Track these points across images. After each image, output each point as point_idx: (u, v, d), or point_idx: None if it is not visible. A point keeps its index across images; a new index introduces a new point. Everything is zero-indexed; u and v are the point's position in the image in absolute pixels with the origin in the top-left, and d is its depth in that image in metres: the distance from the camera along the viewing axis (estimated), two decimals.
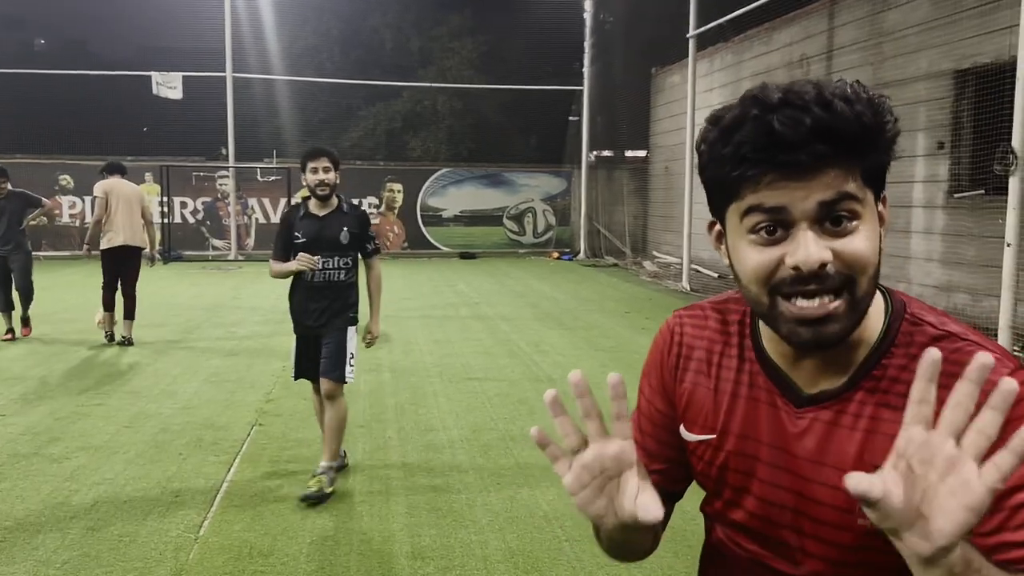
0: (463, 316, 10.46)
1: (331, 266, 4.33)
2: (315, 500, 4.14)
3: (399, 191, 19.37)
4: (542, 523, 3.96)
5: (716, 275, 14.42)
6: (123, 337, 8.18)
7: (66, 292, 12.19)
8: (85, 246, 8.76)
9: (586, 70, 19.55)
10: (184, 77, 17.24)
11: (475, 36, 22.12)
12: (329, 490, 4.23)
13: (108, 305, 8.27)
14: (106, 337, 8.23)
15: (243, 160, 18.51)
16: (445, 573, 3.46)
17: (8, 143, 17.69)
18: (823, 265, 0.89)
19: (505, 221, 20.08)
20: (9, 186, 8.39)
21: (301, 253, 4.24)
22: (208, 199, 18.57)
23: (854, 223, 0.90)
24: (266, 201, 18.79)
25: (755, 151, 0.89)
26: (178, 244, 17.90)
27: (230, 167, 18.29)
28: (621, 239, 18.81)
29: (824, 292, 0.90)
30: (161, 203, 17.51)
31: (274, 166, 18.78)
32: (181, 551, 3.60)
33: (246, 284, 13.79)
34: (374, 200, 19.08)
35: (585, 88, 19.52)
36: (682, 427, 1.12)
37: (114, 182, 8.36)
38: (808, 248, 0.89)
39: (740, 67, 14.35)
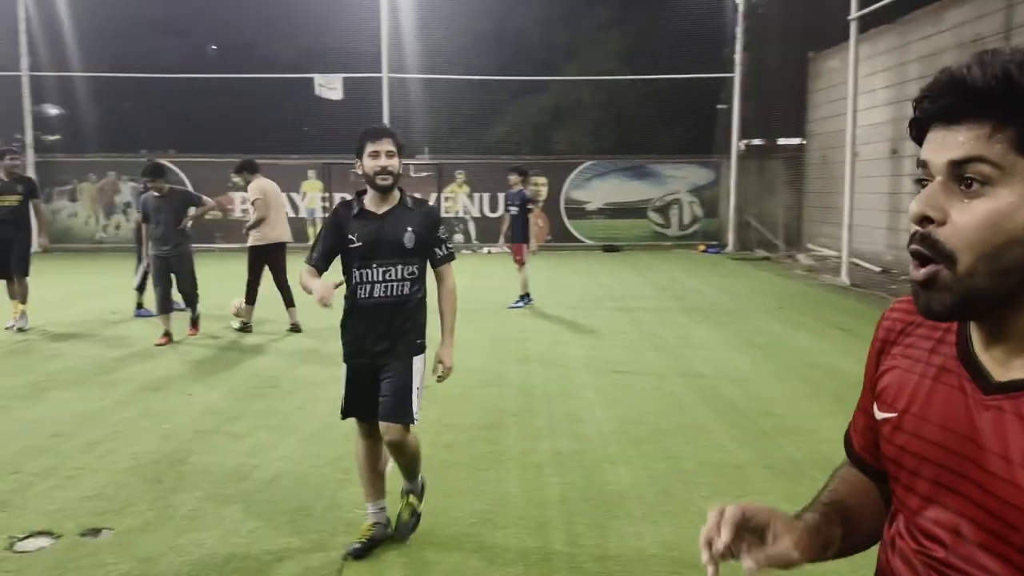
0: (608, 309, 10.46)
1: (392, 276, 3.44)
2: (410, 530, 3.75)
3: (544, 184, 19.56)
4: (697, 518, 3.95)
5: (878, 269, 13.69)
6: (292, 324, 8.75)
7: (238, 283, 13.12)
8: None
9: (737, 57, 19.01)
10: (344, 78, 18.12)
11: (621, 28, 21.97)
12: (421, 508, 3.79)
13: (252, 299, 8.85)
14: (244, 328, 8.78)
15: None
16: (601, 562, 3.52)
17: (187, 143, 19.20)
18: (923, 221, 0.88)
19: (650, 213, 19.87)
20: (168, 185, 8.33)
21: (318, 283, 3.39)
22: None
23: (984, 189, 0.86)
24: (418, 195, 19.48)
25: (913, 106, 0.94)
26: None
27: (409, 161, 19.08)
28: (773, 231, 18.19)
29: (922, 256, 0.89)
30: (323, 199, 18.50)
31: (426, 162, 19.44)
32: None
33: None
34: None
35: (736, 75, 18.98)
36: (875, 406, 1.10)
37: (265, 182, 9.00)
38: (915, 200, 0.89)
39: (905, 50, 13.52)
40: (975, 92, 0.86)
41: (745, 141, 19.47)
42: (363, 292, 3.46)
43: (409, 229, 3.47)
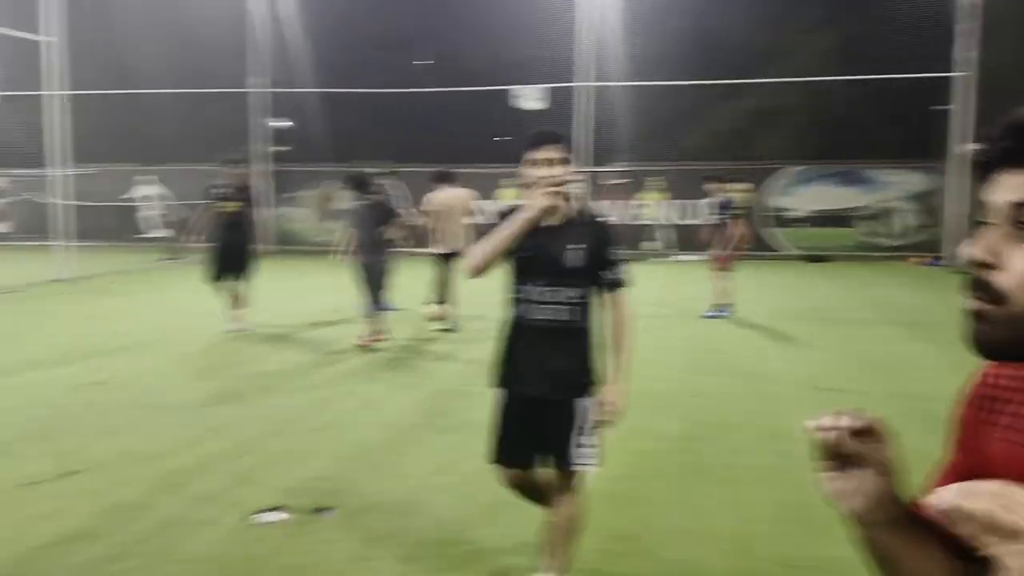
0: (812, 322, 9.98)
1: (552, 299, 2.99)
2: None
3: (746, 191, 18.97)
4: None
5: None
6: (441, 322, 9.28)
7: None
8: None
9: (963, 55, 17.49)
10: (542, 88, 18.55)
11: (828, 27, 20.87)
12: None
13: (442, 300, 9.34)
14: (450, 327, 9.21)
15: (598, 165, 19.44)
16: None
17: (403, 154, 20.43)
18: (979, 264, 0.87)
19: (859, 222, 18.71)
20: (373, 196, 8.57)
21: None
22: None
23: None
24: (613, 204, 19.56)
25: (979, 148, 0.92)
26: None
27: (581, 171, 19.33)
28: None
29: (977, 291, 0.88)
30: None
31: (622, 168, 19.49)
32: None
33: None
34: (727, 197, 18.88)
35: (961, 74, 17.47)
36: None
37: (442, 194, 9.35)
38: (971, 242, 0.88)
39: None
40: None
41: (972, 145, 17.86)
42: (523, 310, 3.05)
43: (573, 247, 2.99)
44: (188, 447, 5.12)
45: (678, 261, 18.09)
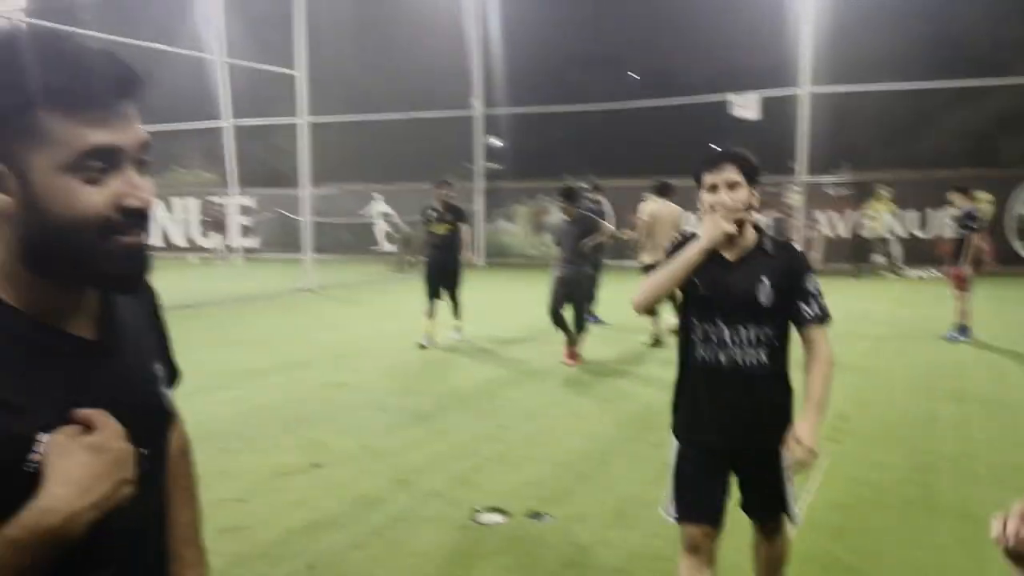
0: None
1: (740, 339, 2.67)
2: None
3: (988, 201, 17.27)
4: None
5: None
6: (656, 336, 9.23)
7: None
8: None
9: None
10: (756, 95, 17.99)
11: None
12: None
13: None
14: (656, 342, 9.18)
15: (813, 174, 18.54)
16: None
17: (607, 168, 20.62)
18: None
19: None
20: (577, 210, 8.54)
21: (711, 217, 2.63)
22: (778, 215, 19.04)
23: None
24: (835, 215, 18.53)
25: None
26: None
27: (800, 181, 18.50)
28: None
29: None
30: None
31: (844, 180, 18.44)
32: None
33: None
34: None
35: None
36: None
37: (656, 205, 9.28)
38: None
39: None
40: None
41: None
42: (705, 352, 2.71)
43: (765, 280, 2.66)
44: (416, 446, 5.54)
45: (909, 276, 16.82)
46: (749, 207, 2.65)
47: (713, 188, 2.63)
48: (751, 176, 2.65)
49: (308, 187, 16.40)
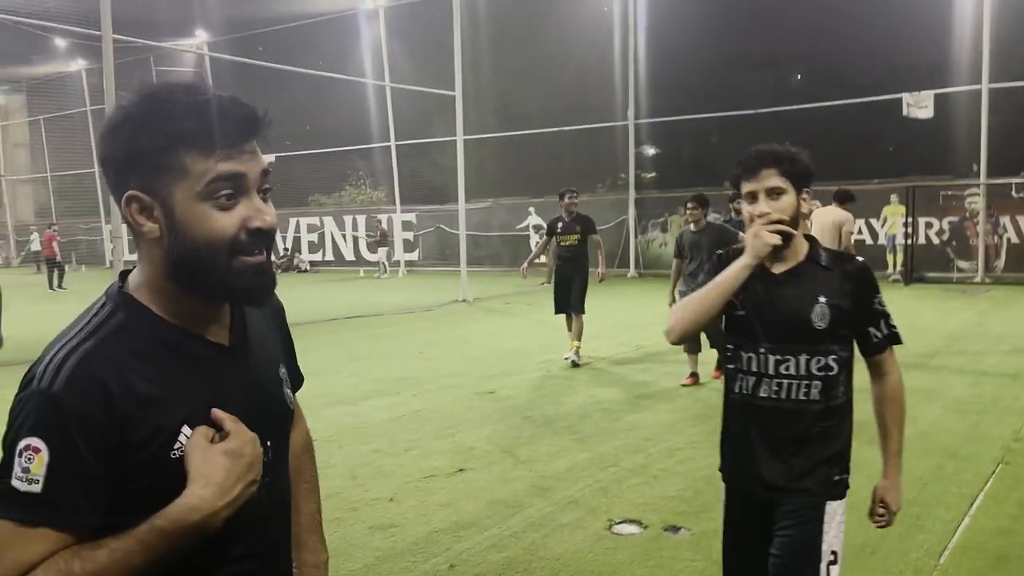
0: None
1: (790, 371, 2.23)
2: None
3: None
4: None
5: None
6: None
7: None
8: None
9: None
10: (936, 95, 16.88)
11: None
12: None
13: None
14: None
15: (997, 176, 17.16)
16: None
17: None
18: None
19: None
20: (709, 218, 8.09)
21: (754, 238, 2.22)
22: (955, 218, 17.76)
23: None
24: (1020, 219, 17.04)
25: None
26: (920, 265, 17.60)
27: (980, 184, 17.17)
28: None
29: None
30: (906, 224, 17.49)
31: None
32: (920, 574, 3.69)
33: (994, 309, 12.79)
34: None
35: None
36: None
37: (818, 211, 8.65)
38: None
39: None
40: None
41: None
42: (744, 384, 2.31)
43: (821, 300, 2.22)
44: (558, 455, 5.65)
45: None
46: (797, 216, 2.25)
47: (752, 197, 2.25)
48: (798, 180, 2.25)
49: (464, 202, 16.98)
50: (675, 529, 4.33)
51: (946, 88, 17.27)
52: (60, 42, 31.64)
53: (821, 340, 2.23)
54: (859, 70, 21.51)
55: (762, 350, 2.26)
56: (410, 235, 25.20)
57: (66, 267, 25.71)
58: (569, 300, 9.19)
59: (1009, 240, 17.20)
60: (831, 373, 2.24)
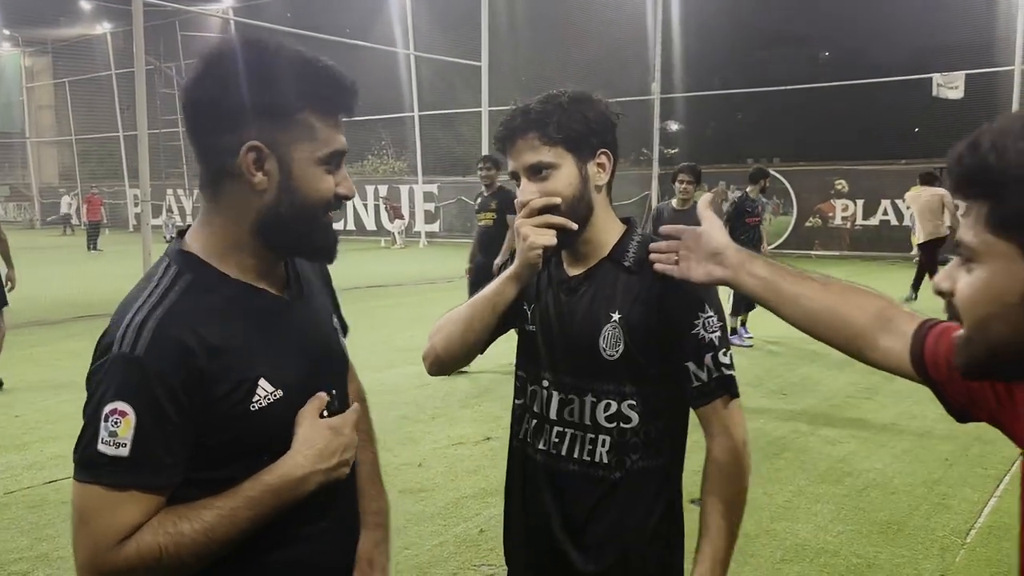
0: None
1: (575, 417, 1.58)
2: None
3: None
4: None
5: None
6: None
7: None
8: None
9: None
10: (967, 75, 16.63)
11: None
12: None
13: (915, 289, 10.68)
14: None
15: None
16: None
17: (790, 152, 19.79)
18: (941, 293, 0.94)
19: None
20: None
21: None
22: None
23: (971, 264, 0.89)
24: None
25: None
26: (945, 247, 17.47)
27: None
28: None
29: (951, 317, 0.95)
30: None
31: None
32: (947, 552, 3.73)
33: None
34: None
35: None
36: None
37: (915, 191, 10.57)
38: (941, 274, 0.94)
39: None
40: (952, 170, 0.89)
41: None
42: (526, 430, 1.68)
43: (615, 317, 1.54)
44: None
45: None
46: (588, 194, 1.56)
47: (516, 177, 1.57)
48: (579, 142, 1.54)
49: None
50: (696, 502, 4.38)
51: (978, 68, 16.99)
52: (86, 4, 31.73)
53: (613, 376, 1.54)
54: (888, 50, 21.22)
55: (545, 383, 1.62)
56: (431, 206, 25.22)
57: (105, 230, 26.02)
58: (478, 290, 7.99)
59: None
60: (626, 426, 1.54)
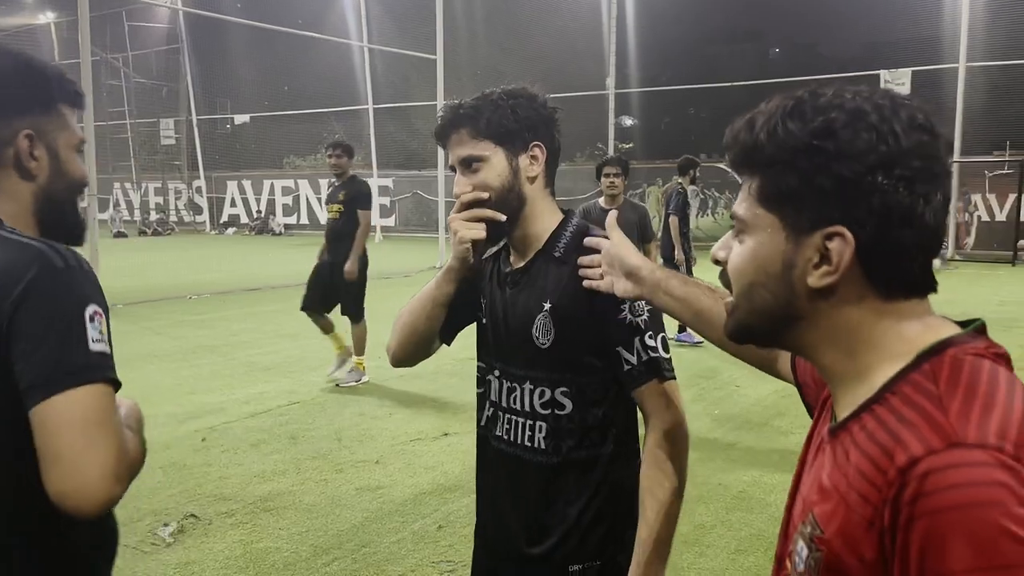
0: None
1: (517, 404, 1.65)
2: None
3: None
4: None
5: None
6: None
7: None
8: None
9: None
10: (914, 72, 17.03)
11: None
12: None
13: None
14: None
15: (970, 154, 17.40)
16: None
17: None
18: (716, 263, 0.98)
19: None
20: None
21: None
22: None
23: (742, 236, 0.94)
24: (992, 197, 17.33)
25: None
26: None
27: (954, 161, 17.42)
28: None
29: (724, 285, 0.99)
30: None
31: (1004, 159, 17.19)
32: None
33: (964, 286, 13.04)
34: None
35: None
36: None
37: None
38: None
39: None
40: (727, 148, 0.94)
41: None
42: (486, 417, 1.75)
43: (546, 306, 1.60)
44: None
45: None
46: (520, 187, 1.61)
47: (454, 170, 1.65)
48: (509, 135, 1.60)
49: (444, 167, 16.89)
50: None
51: (924, 66, 17.40)
52: None
53: (547, 364, 1.60)
54: (837, 46, 21.60)
55: (496, 372, 1.71)
56: (387, 200, 25.04)
57: None
58: (318, 297, 6.83)
59: (979, 218, 17.50)
60: (560, 412, 1.59)
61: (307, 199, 27.32)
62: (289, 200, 27.55)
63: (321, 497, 4.39)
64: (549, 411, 1.60)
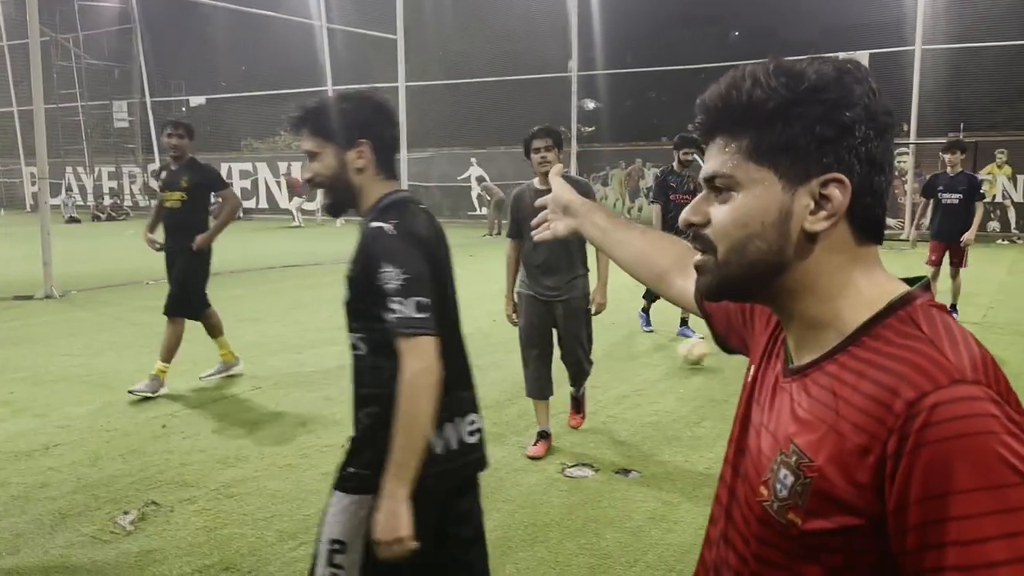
0: None
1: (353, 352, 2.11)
2: None
3: None
4: None
5: None
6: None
7: None
8: None
9: None
10: (871, 54, 17.24)
11: None
12: None
13: None
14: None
15: (925, 136, 17.71)
16: None
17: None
18: (691, 226, 1.00)
19: None
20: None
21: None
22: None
23: (728, 194, 0.96)
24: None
25: None
26: None
27: (910, 143, 17.71)
28: None
29: (696, 245, 1.01)
30: None
31: (956, 140, 17.54)
32: None
33: (921, 266, 13.30)
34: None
35: None
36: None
37: None
38: (685, 209, 1.01)
39: None
40: (712, 110, 0.97)
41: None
42: None
43: (350, 270, 2.03)
44: (509, 402, 5.71)
45: None
46: (346, 174, 2.03)
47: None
48: (336, 134, 2.00)
49: (404, 151, 16.74)
50: (626, 472, 4.44)
51: (880, 48, 17.63)
52: None
53: (349, 314, 2.05)
54: (797, 29, 21.77)
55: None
56: None
57: (1, 210, 24.56)
58: (173, 296, 6.14)
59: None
60: (358, 354, 2.05)
61: (266, 182, 26.92)
62: (248, 184, 27.11)
63: (286, 483, 4.33)
64: (354, 352, 2.06)
